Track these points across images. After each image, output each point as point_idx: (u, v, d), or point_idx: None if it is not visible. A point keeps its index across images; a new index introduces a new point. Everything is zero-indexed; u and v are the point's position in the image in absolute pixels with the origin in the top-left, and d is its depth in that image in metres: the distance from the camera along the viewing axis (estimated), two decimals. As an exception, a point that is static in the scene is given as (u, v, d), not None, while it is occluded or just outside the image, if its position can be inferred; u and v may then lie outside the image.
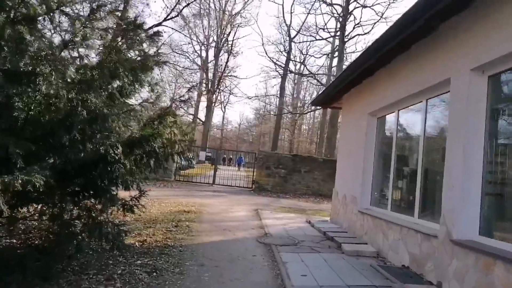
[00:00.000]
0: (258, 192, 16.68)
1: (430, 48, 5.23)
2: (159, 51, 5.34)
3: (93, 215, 4.42)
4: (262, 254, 5.78)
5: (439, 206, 4.75)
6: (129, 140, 4.03)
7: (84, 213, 4.46)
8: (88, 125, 3.30)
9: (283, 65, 36.54)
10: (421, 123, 5.62)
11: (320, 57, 33.42)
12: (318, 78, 31.65)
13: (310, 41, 33.48)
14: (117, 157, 3.60)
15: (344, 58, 31.00)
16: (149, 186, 13.89)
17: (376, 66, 6.56)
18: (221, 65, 43.58)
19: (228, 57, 42.67)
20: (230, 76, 45.08)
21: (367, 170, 7.48)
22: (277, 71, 37.14)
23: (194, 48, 44.46)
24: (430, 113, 5.59)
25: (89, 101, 3.27)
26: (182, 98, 4.85)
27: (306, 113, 43.62)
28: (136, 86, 4.53)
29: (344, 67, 30.07)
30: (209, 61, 44.52)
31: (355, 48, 46.73)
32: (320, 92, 9.56)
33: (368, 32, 31.55)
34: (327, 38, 32.47)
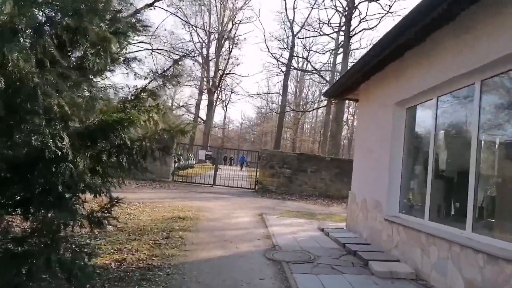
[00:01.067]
0: (261, 194, 15.44)
1: (493, 12, 3.97)
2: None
3: (45, 232, 3.20)
4: (272, 276, 4.54)
5: (504, 217, 3.52)
6: (87, 129, 2.79)
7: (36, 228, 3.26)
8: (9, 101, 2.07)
9: (286, 62, 35.35)
10: (475, 111, 4.36)
11: (324, 53, 32.25)
12: (322, 75, 30.34)
13: (314, 36, 32.16)
14: (61, 153, 2.37)
15: (350, 54, 29.82)
16: (144, 188, 12.67)
17: (411, 43, 5.32)
18: (223, 61, 42.40)
19: (229, 54, 41.48)
20: (232, 73, 43.89)
21: (394, 170, 6.24)
22: (279, 68, 35.90)
23: (195, 46, 43.08)
24: (486, 97, 4.34)
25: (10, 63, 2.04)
26: (167, 73, 3.56)
27: (310, 111, 42.36)
28: (104, 60, 3.28)
29: (350, 63, 28.89)
30: (210, 59, 43.39)
31: (360, 44, 45.39)
32: (334, 82, 8.35)
33: (374, 27, 30.13)
34: (331, 33, 31.28)
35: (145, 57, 20.68)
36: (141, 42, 14.69)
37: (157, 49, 14.53)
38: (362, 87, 8.03)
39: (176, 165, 19.41)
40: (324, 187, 16.29)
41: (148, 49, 15.03)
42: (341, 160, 17.54)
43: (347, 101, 23.36)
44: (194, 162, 23.08)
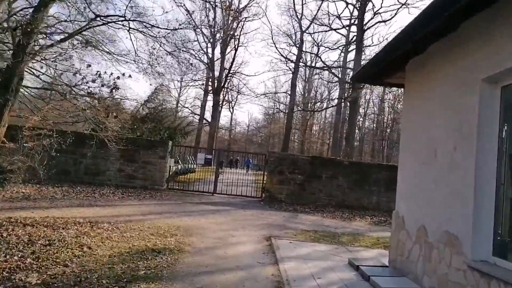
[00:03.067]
0: (269, 204, 12.97)
1: None
2: None
3: None
4: None
5: None
6: None
7: None
8: None
9: (294, 60, 32.92)
10: None
11: (335, 49, 29.31)
12: (333, 72, 27.78)
13: (324, 31, 29.60)
14: None
15: (363, 50, 27.25)
16: (129, 198, 10.30)
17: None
18: (228, 61, 40.06)
19: (235, 53, 39.13)
20: (238, 73, 41.54)
21: (484, 184, 3.77)
22: (287, 66, 33.51)
23: (200, 46, 40.79)
24: None
25: None
26: None
27: (321, 111, 39.72)
28: None
29: (363, 60, 26.41)
30: (215, 59, 41.04)
31: (372, 41, 42.68)
32: (368, 61, 5.88)
33: (389, 20, 27.48)
34: (342, 28, 28.59)
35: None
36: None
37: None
38: (411, 65, 5.58)
39: (174, 169, 17.08)
40: (341, 196, 13.77)
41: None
42: (361, 165, 15.02)
43: (363, 98, 20.81)
44: (195, 166, 20.70)
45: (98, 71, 9.40)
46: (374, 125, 42.87)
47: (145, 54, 15.31)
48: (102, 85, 8.97)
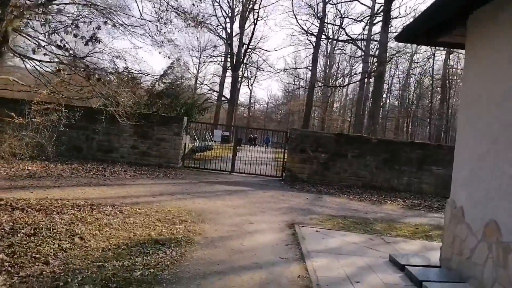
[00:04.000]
0: (290, 184, 12.00)
1: None
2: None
3: None
4: None
5: None
6: None
7: None
8: None
9: (316, 33, 31.08)
10: None
11: (360, 21, 27.23)
12: (358, 45, 25.96)
13: (349, 0, 27.44)
14: None
15: (390, 22, 25.21)
16: (142, 176, 9.49)
17: None
18: (247, 36, 38.47)
19: (254, 27, 37.43)
20: (257, 48, 39.94)
21: None
22: (309, 39, 31.72)
23: (219, 20, 39.24)
24: None
25: None
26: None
27: (344, 86, 37.88)
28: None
29: (390, 33, 24.62)
30: (234, 35, 39.43)
31: (399, 12, 39.96)
32: (424, 11, 4.58)
33: (420, -13, 25.14)
34: (368, -3, 26.42)
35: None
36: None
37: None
38: (475, 18, 4.32)
39: (190, 146, 16.26)
40: (369, 176, 12.63)
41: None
42: (391, 143, 13.70)
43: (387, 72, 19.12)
44: (213, 143, 19.81)
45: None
46: (398, 101, 40.76)
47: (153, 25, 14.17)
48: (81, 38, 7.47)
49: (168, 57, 28.35)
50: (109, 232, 4.77)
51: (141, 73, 14.49)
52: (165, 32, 12.60)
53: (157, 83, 18.32)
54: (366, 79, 31.22)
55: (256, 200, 8.51)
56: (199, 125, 18.31)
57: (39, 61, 11.06)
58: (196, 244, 4.71)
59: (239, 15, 38.42)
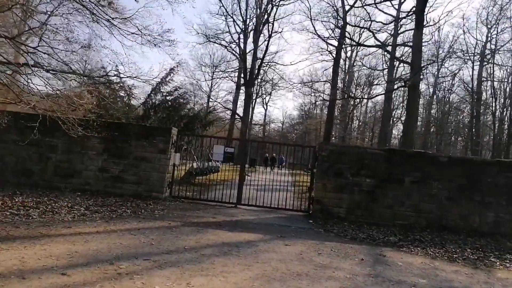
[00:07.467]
0: (323, 224, 7.84)
1: None
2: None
3: None
4: None
5: None
6: None
7: None
8: None
9: (336, 45, 27.33)
10: None
11: (388, 23, 23.19)
12: (388, 50, 21.97)
13: (374, 4, 23.58)
14: None
15: (426, 22, 21.22)
16: (94, 217, 5.57)
17: None
18: (261, 51, 35.05)
19: (268, 40, 34.03)
20: (272, 62, 36.43)
21: None
22: (328, 50, 27.93)
23: (232, 37, 36.06)
24: None
25: None
26: None
27: (372, 98, 33.66)
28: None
29: (424, 35, 20.67)
30: (248, 51, 36.04)
31: (426, 21, 35.94)
32: None
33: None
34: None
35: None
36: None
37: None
38: None
39: (187, 168, 12.38)
40: (437, 211, 8.35)
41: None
42: (468, 162, 9.33)
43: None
44: (219, 165, 15.83)
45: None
46: (426, 114, 36.11)
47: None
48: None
49: (173, 59, 24.95)
50: None
51: (133, 77, 10.55)
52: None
53: (152, 93, 14.61)
54: (393, 91, 27.06)
55: (275, 269, 4.40)
56: (206, 140, 14.32)
57: None
58: None
59: (253, 28, 35.14)
